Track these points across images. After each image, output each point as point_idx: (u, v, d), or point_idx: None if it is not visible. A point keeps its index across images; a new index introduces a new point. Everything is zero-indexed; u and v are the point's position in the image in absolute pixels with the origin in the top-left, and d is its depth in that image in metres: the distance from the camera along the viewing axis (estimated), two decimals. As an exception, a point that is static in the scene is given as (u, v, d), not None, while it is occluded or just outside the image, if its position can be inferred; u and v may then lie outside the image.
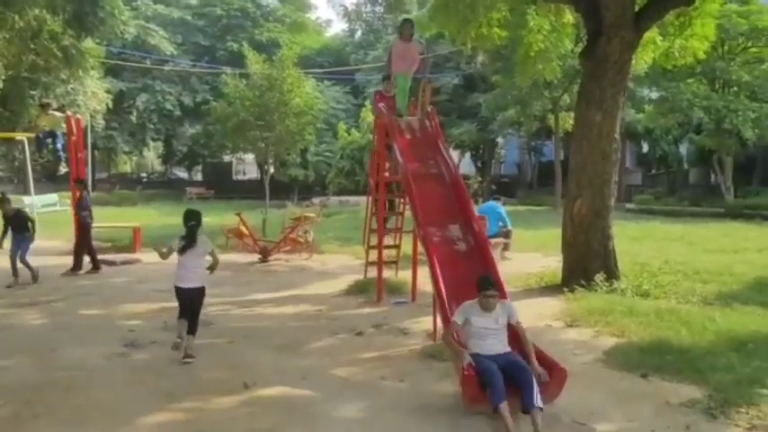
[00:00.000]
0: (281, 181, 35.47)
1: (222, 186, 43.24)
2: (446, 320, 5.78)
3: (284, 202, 29.04)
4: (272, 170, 26.83)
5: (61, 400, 5.18)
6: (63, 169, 14.74)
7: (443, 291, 6.11)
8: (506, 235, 13.51)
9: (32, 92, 24.36)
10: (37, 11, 12.98)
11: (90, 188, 16.66)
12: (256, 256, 13.56)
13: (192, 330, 6.37)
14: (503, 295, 5.64)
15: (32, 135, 15.94)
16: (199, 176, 51.67)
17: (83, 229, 12.25)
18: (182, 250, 6.53)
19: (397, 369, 6.02)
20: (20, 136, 17.92)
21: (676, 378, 5.62)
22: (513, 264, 12.25)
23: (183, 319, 6.39)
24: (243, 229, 14.14)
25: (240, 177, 53.27)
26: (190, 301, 6.52)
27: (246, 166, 55.07)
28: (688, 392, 5.27)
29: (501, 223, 13.48)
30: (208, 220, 21.44)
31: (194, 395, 5.29)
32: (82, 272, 11.88)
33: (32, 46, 13.62)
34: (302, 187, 37.86)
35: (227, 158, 49.44)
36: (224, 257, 13.72)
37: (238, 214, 14.38)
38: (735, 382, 5.35)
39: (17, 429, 4.60)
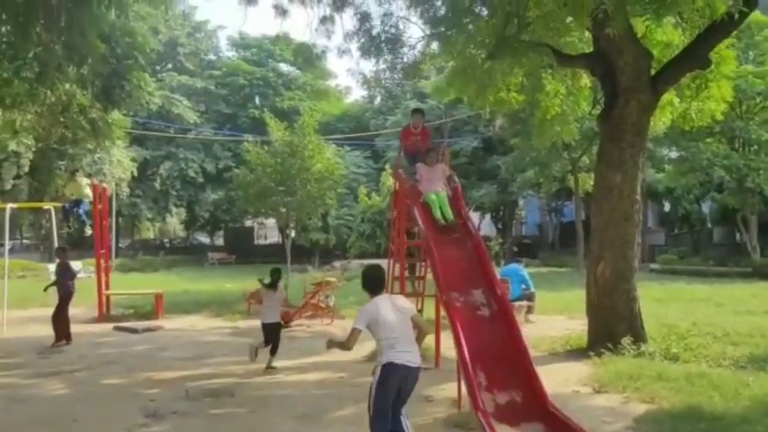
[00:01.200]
0: (303, 245, 35.63)
1: (244, 251, 43.52)
2: (471, 387, 5.67)
3: (305, 266, 29.08)
4: (293, 234, 26.99)
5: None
6: (88, 232, 14.99)
7: (467, 357, 6.01)
8: (530, 298, 13.37)
9: (60, 162, 25.09)
10: (67, 85, 13.43)
11: (114, 254, 16.88)
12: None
13: (273, 351, 9.15)
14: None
15: (59, 204, 16.28)
16: (220, 241, 52.12)
17: (65, 298, 11.78)
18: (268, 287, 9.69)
19: (421, 439, 5.88)
20: (47, 205, 18.35)
21: (711, 447, 5.42)
22: (537, 327, 12.06)
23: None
24: (264, 294, 14.12)
25: (261, 242, 53.65)
26: (272, 332, 9.31)
27: (268, 231, 55.56)
28: (725, 463, 5.07)
29: (524, 286, 13.36)
30: (230, 286, 21.68)
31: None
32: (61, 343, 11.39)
33: (62, 119, 14.08)
34: (323, 251, 37.97)
35: (248, 223, 49.91)
36: (245, 324, 13.81)
37: (260, 280, 14.38)
38: (773, 452, 5.15)
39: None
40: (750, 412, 6.18)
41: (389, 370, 4.96)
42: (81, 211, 14.86)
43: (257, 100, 45.28)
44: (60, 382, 8.46)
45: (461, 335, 6.24)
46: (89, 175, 18.39)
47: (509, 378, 5.90)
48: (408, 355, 5.04)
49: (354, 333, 5.01)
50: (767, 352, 9.07)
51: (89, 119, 13.87)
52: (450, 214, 8.24)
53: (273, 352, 9.18)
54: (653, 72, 9.73)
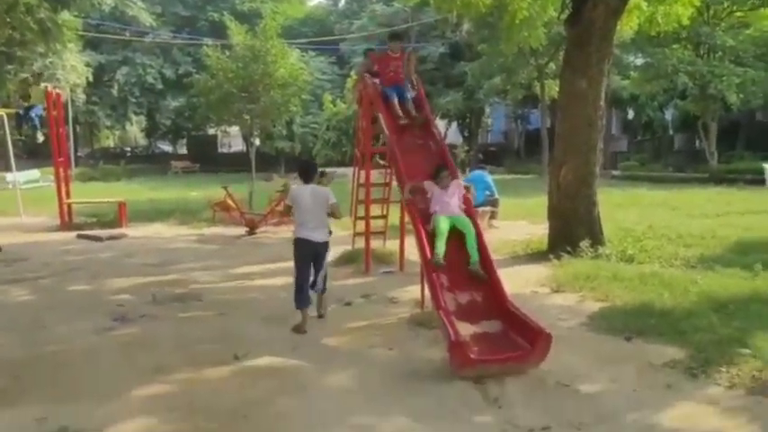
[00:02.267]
0: (267, 153, 35.26)
1: (207, 160, 42.90)
2: (433, 287, 5.84)
3: (271, 174, 28.91)
4: (257, 142, 26.64)
5: (50, 375, 5.20)
6: (40, 138, 14.56)
7: (429, 257, 6.15)
8: (493, 203, 13.58)
9: (9, 66, 23.93)
10: (11, -17, 12.65)
11: (73, 163, 16.53)
12: (243, 229, 13.55)
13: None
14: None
15: (12, 111, 15.70)
16: (184, 150, 51.21)
17: None
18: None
19: (386, 337, 6.09)
20: None
21: (659, 340, 5.73)
22: (500, 232, 12.34)
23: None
24: (229, 202, 14.12)
25: (225, 150, 52.81)
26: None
27: (232, 139, 54.57)
28: (670, 353, 5.38)
29: (488, 192, 13.53)
30: (194, 194, 21.51)
31: (184, 367, 5.33)
32: None
33: (8, 19, 13.32)
34: (288, 159, 37.65)
35: (211, 131, 48.93)
36: (211, 231, 13.83)
37: (225, 187, 14.34)
38: (715, 343, 5.46)
39: (5, 404, 4.60)
40: (697, 307, 6.52)
41: (297, 242, 6.53)
42: (34, 114, 14.35)
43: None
44: (24, 289, 8.46)
45: (424, 239, 6.36)
46: (38, 77, 17.58)
47: (470, 280, 6.07)
48: (313, 233, 6.43)
49: (287, 208, 6.91)
50: (716, 252, 9.47)
51: (37, 19, 13.17)
52: (476, 255, 6.15)
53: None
54: (622, -26, 9.55)
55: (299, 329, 6.32)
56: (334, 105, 31.93)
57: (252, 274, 9.33)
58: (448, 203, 6.54)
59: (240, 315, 7.02)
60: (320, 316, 6.83)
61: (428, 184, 6.77)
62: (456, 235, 6.31)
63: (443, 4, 12.37)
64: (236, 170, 32.55)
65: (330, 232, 6.72)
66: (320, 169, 8.65)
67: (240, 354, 5.57)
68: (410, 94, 8.42)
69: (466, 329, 5.49)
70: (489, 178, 13.99)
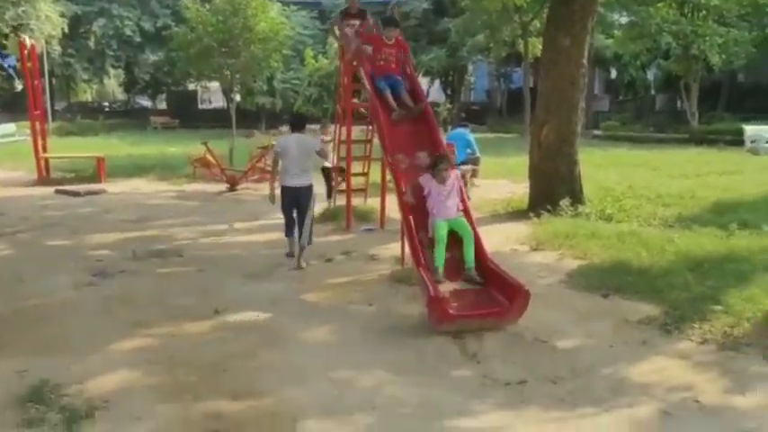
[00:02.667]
0: (248, 109, 34.75)
1: (187, 115, 42.21)
2: (413, 245, 5.87)
3: (251, 130, 28.58)
4: (238, 98, 26.27)
5: (29, 330, 5.18)
6: (19, 87, 14.27)
7: (411, 217, 6.16)
8: (475, 162, 13.56)
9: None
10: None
11: (50, 117, 16.22)
12: (224, 186, 13.46)
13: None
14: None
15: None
16: (163, 105, 50.31)
17: None
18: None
19: (365, 294, 6.14)
20: (-28, 63, 17.21)
21: (635, 297, 5.83)
22: (481, 190, 12.38)
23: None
24: (210, 158, 13.98)
25: (206, 106, 51.94)
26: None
27: (212, 95, 53.68)
28: (646, 310, 5.49)
29: (469, 150, 13.49)
30: (174, 150, 21.28)
31: (164, 322, 5.34)
32: None
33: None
34: (269, 115, 37.12)
35: (191, 87, 48.02)
36: (191, 187, 13.72)
37: (205, 143, 14.17)
38: (690, 300, 5.58)
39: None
40: (673, 266, 6.62)
41: (283, 190, 7.14)
42: (7, 65, 13.99)
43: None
44: (3, 244, 8.40)
45: (404, 198, 6.35)
46: (14, 29, 17.12)
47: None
48: (297, 179, 7.06)
49: (275, 158, 7.43)
50: (694, 212, 9.59)
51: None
52: (472, 261, 5.74)
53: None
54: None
55: (289, 254, 7.30)
56: (316, 61, 31.44)
57: (233, 231, 9.30)
58: (446, 206, 5.96)
59: (220, 271, 7.02)
60: (298, 267, 7.06)
61: (425, 179, 6.13)
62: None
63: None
64: (217, 126, 32.15)
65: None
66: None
67: (220, 308, 5.59)
68: (404, 86, 7.71)
69: (445, 286, 5.55)
70: (471, 136, 13.93)
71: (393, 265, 7.09)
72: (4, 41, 13.71)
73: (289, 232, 7.26)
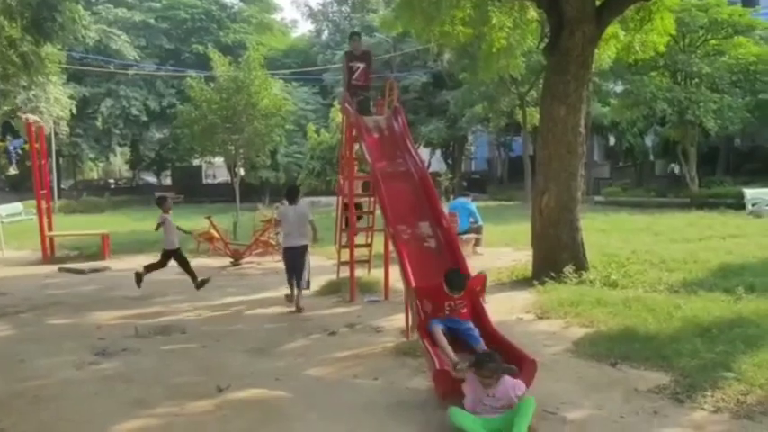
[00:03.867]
0: (252, 184, 35.23)
1: (192, 191, 42.78)
2: (418, 317, 5.83)
3: (255, 204, 28.82)
4: (242, 173, 26.64)
5: (29, 412, 5.09)
6: (12, 172, 14.73)
7: (415, 288, 6.14)
8: (477, 231, 13.63)
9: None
10: (-5, 17, 12.72)
11: (56, 196, 16.49)
12: (228, 260, 13.48)
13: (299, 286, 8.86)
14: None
15: (2, 144, 15.63)
16: (168, 181, 51.06)
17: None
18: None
19: (370, 367, 6.05)
20: (-19, 145, 17.60)
21: (644, 365, 5.73)
22: (485, 259, 12.36)
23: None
24: (213, 232, 14.05)
25: (210, 181, 52.78)
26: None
27: (216, 170, 54.63)
28: (655, 378, 5.39)
29: (472, 219, 13.60)
30: (178, 225, 21.32)
31: (167, 401, 5.25)
32: None
33: (-9, 53, 13.39)
34: (273, 189, 37.57)
35: (196, 162, 48.93)
36: (195, 262, 13.71)
37: (208, 218, 14.28)
38: (700, 367, 5.48)
39: (-15, 443, 4.52)
40: (680, 332, 6.53)
41: (285, 250, 8.89)
42: (12, 147, 14.33)
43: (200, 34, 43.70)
44: (5, 324, 8.33)
45: (408, 266, 6.36)
46: (17, 110, 17.62)
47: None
48: (295, 240, 8.75)
49: (277, 223, 9.60)
50: (699, 277, 9.53)
51: (20, 53, 13.19)
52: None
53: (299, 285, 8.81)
54: (598, 3, 9.76)
55: (289, 296, 8.87)
56: (318, 135, 32.06)
57: (236, 305, 9.25)
58: (492, 410, 4.54)
59: (224, 346, 6.94)
60: (298, 310, 8.49)
61: (469, 381, 4.69)
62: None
63: (423, 34, 12.56)
64: (222, 201, 32.53)
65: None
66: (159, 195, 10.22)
67: (223, 386, 5.50)
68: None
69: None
70: (473, 206, 14.07)
71: (398, 338, 7.01)
72: (13, 123, 14.10)
73: (289, 280, 8.79)
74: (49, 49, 15.05)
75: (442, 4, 10.97)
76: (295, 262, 8.68)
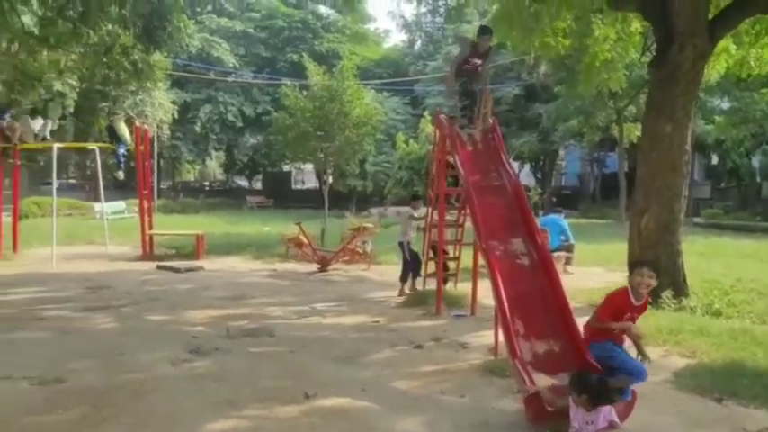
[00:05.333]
0: (340, 191, 35.74)
1: (281, 195, 43.93)
2: (508, 334, 5.66)
3: (343, 212, 29.26)
4: (330, 180, 27.07)
5: (128, 404, 5.28)
6: (121, 176, 15.71)
7: (506, 306, 5.98)
8: (568, 249, 13.23)
9: (103, 104, 25.50)
10: (110, 26, 13.47)
11: (156, 196, 17.34)
12: (315, 266, 13.68)
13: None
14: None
15: (104, 145, 16.57)
16: (259, 185, 52.66)
17: None
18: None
19: (457, 384, 5.93)
20: (92, 146, 18.67)
21: (753, 403, 5.34)
22: (576, 278, 11.95)
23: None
24: (302, 238, 14.30)
25: (299, 187, 54.01)
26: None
27: (306, 176, 55.89)
28: (765, 419, 5.00)
29: (563, 237, 13.21)
30: (268, 229, 21.96)
31: (255, 403, 5.33)
32: None
33: (105, 60, 14.21)
34: (360, 197, 38.06)
35: (286, 168, 50.22)
36: (283, 267, 14.03)
37: (298, 224, 14.54)
38: (818, 410, 5.05)
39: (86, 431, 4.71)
40: (794, 370, 6.06)
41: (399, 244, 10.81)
42: (121, 151, 15.19)
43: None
44: (107, 317, 8.75)
45: (500, 283, 6.21)
46: (130, 117, 18.68)
47: (547, 327, 5.86)
48: (401, 237, 10.73)
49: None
50: (814, 310, 8.84)
51: (131, 60, 13.95)
52: None
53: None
54: (710, 16, 9.28)
55: (400, 292, 10.44)
56: (407, 145, 32.20)
57: (323, 312, 9.34)
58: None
59: (311, 353, 7.00)
60: (412, 289, 10.44)
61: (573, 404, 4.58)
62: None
63: (521, 46, 12.35)
64: (309, 207, 33.16)
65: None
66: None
67: (310, 392, 5.53)
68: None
69: (542, 380, 5.28)
70: (564, 222, 13.67)
71: (485, 355, 6.86)
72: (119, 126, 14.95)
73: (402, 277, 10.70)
74: (157, 56, 15.81)
75: (542, 15, 10.73)
76: (405, 252, 10.65)
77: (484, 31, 9.59)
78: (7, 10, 12.82)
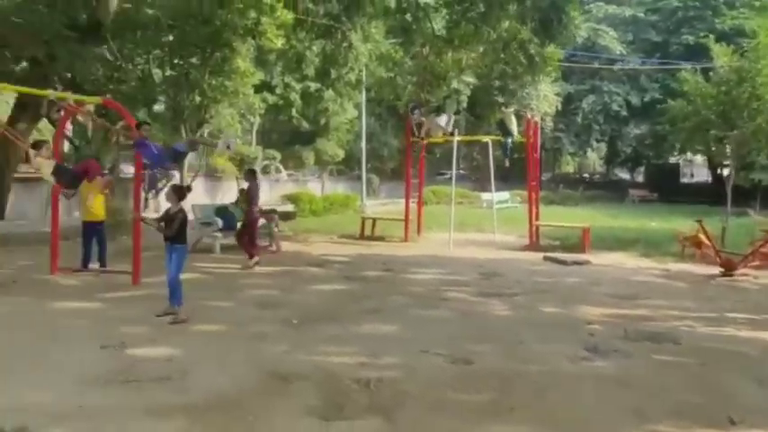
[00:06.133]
0: (740, 185, 31.53)
1: (666, 189, 40.82)
2: None
3: (744, 209, 25.77)
4: (733, 173, 24.08)
5: (532, 397, 5.26)
6: (506, 164, 16.40)
7: None
8: None
9: (498, 98, 27.07)
10: (508, 23, 14.04)
11: (539, 187, 17.67)
12: (716, 269, 12.20)
13: None
14: None
15: (497, 138, 17.42)
16: (641, 178, 49.99)
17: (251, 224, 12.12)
18: None
19: None
20: (485, 139, 19.81)
21: None
22: None
23: None
24: (703, 237, 12.90)
25: (687, 180, 49.69)
26: None
27: (694, 169, 51.21)
28: None
29: None
30: (654, 225, 20.60)
31: (669, 419, 4.83)
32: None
33: (502, 55, 14.90)
34: (765, 193, 33.05)
35: (672, 160, 46.57)
36: (678, 267, 12.87)
37: (699, 221, 13.15)
38: None
39: (497, 418, 4.80)
40: None
41: None
42: (509, 141, 15.78)
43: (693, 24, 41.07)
44: (502, 304, 9.06)
45: None
46: (518, 111, 19.35)
47: None
48: None
49: None
50: None
51: (527, 54, 14.33)
52: None
53: None
54: None
55: None
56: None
57: (734, 322, 8.20)
58: None
59: (726, 369, 6.14)
60: None
61: None
62: None
63: None
64: (699, 202, 30.15)
65: None
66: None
67: (736, 418, 4.81)
68: None
69: None
70: None
71: None
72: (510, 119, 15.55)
73: None
74: (549, 48, 15.95)
75: None
76: None
77: None
78: (422, 18, 14.37)
